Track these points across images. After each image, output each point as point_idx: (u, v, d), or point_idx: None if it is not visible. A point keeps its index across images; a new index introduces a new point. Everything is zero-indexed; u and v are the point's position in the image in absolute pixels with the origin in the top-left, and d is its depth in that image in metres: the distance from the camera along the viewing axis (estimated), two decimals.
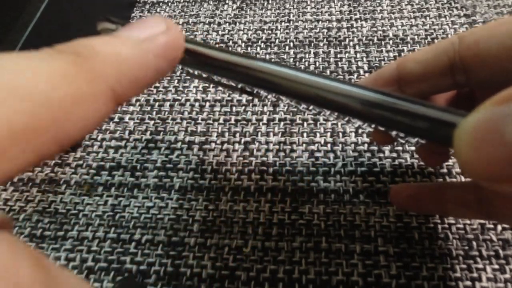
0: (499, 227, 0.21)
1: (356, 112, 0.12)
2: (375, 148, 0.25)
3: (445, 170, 0.24)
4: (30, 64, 0.08)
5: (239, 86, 0.17)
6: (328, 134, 0.26)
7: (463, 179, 0.23)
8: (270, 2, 0.35)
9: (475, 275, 0.20)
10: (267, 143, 0.26)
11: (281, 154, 0.26)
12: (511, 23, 0.13)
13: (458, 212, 0.18)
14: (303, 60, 0.30)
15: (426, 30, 0.31)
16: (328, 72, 0.29)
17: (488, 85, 0.15)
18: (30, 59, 0.08)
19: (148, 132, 0.28)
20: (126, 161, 0.26)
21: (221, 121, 0.28)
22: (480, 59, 0.14)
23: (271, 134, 0.27)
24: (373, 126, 0.16)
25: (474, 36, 0.14)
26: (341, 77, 0.29)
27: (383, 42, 0.31)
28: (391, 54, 0.30)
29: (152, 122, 0.28)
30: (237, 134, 0.27)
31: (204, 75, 0.17)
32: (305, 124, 0.27)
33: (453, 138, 0.09)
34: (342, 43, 0.31)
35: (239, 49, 0.32)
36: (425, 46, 0.30)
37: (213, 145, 0.27)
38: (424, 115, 0.11)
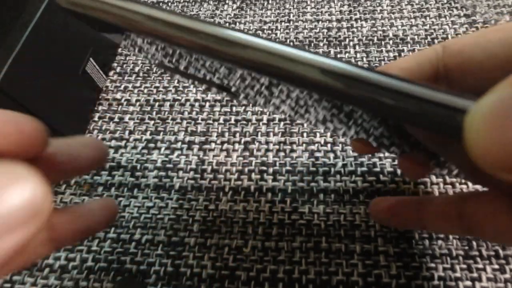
0: None
1: (335, 91, 0.10)
2: None
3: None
4: None
5: (216, 81, 0.15)
6: (328, 134, 0.26)
7: (470, 186, 0.23)
8: (270, 2, 0.35)
9: (475, 275, 0.20)
10: (267, 143, 0.26)
11: (281, 154, 0.26)
12: (496, 32, 0.13)
13: (438, 227, 0.17)
14: None
15: (426, 30, 0.31)
16: None
17: (471, 93, 0.15)
18: None
19: (148, 132, 0.28)
20: (126, 161, 0.26)
21: (221, 121, 0.28)
22: (464, 68, 0.14)
23: (271, 134, 0.27)
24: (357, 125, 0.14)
25: (458, 45, 0.14)
26: None
27: (383, 42, 0.31)
28: (391, 54, 0.30)
29: (152, 122, 0.28)
30: (237, 134, 0.27)
31: (176, 68, 0.16)
32: (305, 124, 0.27)
33: (462, 125, 0.08)
34: (342, 43, 0.31)
35: None
36: (426, 46, 0.30)
37: (213, 145, 0.27)
38: (425, 98, 0.09)
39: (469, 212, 0.15)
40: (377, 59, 0.30)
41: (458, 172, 0.18)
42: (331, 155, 0.25)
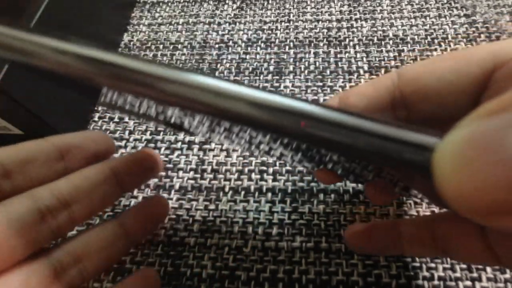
0: None
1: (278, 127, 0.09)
2: None
3: None
4: None
5: (163, 119, 0.14)
6: None
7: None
8: (270, 2, 0.35)
9: (475, 275, 0.20)
10: None
11: None
12: (451, 60, 0.13)
13: (415, 250, 0.17)
14: (303, 60, 0.30)
15: (426, 30, 0.31)
16: (328, 72, 0.29)
17: (428, 120, 0.15)
18: None
19: (148, 132, 0.28)
20: None
21: None
22: (421, 95, 0.14)
23: None
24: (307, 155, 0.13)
25: (413, 72, 0.14)
26: (341, 77, 0.29)
27: (383, 42, 0.31)
28: (391, 54, 0.30)
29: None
30: None
31: (121, 106, 0.15)
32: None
33: (430, 164, 0.08)
34: (342, 43, 0.31)
35: (239, 49, 0.32)
36: (426, 46, 0.30)
37: (213, 145, 0.27)
38: (386, 135, 0.08)
39: (441, 234, 0.15)
40: (377, 59, 0.30)
41: (422, 196, 0.18)
42: None
